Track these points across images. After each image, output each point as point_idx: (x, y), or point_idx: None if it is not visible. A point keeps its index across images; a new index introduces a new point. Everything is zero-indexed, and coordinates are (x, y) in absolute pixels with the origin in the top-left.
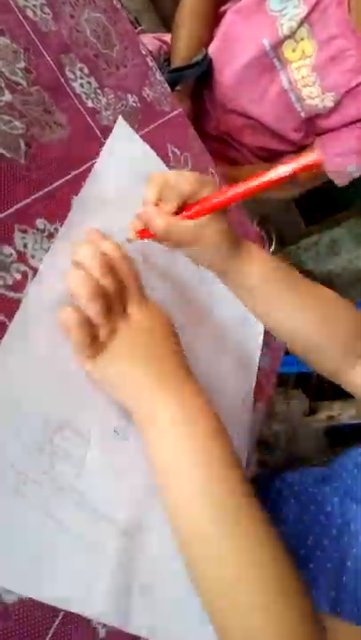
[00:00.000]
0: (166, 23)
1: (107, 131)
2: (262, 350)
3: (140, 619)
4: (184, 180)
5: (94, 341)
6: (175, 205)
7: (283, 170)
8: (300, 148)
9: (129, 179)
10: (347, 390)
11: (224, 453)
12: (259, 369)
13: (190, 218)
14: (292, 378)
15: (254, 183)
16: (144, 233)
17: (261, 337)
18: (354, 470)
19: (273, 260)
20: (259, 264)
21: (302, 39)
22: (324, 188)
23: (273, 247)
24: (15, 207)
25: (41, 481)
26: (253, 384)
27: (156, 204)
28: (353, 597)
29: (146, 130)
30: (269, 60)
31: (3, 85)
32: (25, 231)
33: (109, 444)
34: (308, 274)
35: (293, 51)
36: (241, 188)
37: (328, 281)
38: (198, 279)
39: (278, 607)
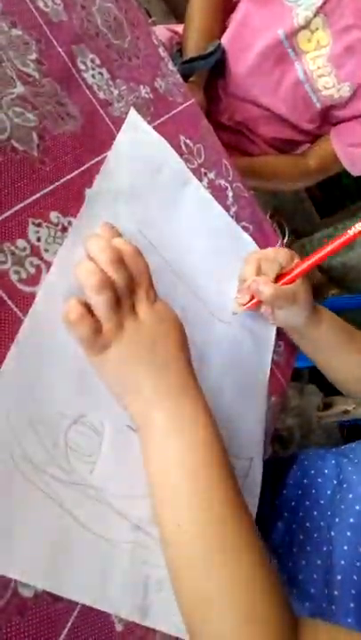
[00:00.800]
0: (177, 14)
1: (119, 122)
2: (278, 346)
3: (157, 613)
4: (282, 255)
5: (99, 336)
6: (274, 276)
7: (357, 228)
8: (315, 138)
9: (143, 170)
10: None
11: (212, 468)
12: (274, 363)
13: (288, 283)
14: (306, 373)
15: (333, 246)
16: (250, 305)
17: (274, 332)
18: None
19: (340, 321)
20: (330, 324)
21: (317, 29)
22: (337, 179)
23: (286, 239)
24: (28, 200)
25: (56, 475)
26: (267, 379)
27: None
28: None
29: (158, 121)
30: (284, 51)
31: (15, 77)
32: (39, 224)
33: (123, 440)
34: (320, 268)
35: (309, 41)
36: (323, 252)
37: (342, 274)
38: (211, 275)
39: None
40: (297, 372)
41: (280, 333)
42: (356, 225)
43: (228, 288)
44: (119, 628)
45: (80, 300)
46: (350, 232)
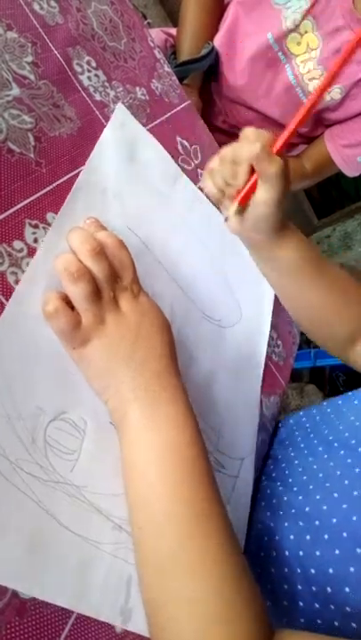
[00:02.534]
0: (174, 18)
1: None
2: (276, 346)
3: (141, 618)
4: (262, 137)
5: (78, 329)
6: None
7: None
8: (309, 139)
9: (130, 166)
10: (355, 369)
11: (187, 468)
12: (273, 364)
13: (277, 153)
14: (306, 373)
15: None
16: (242, 200)
17: (267, 331)
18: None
19: (310, 249)
20: (298, 247)
21: (306, 32)
22: (335, 181)
23: None
24: (25, 202)
25: (34, 472)
26: (260, 382)
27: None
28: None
29: (155, 123)
30: (274, 54)
31: (11, 79)
32: (36, 226)
33: (106, 437)
34: None
35: (298, 44)
36: (302, 111)
37: None
38: (201, 272)
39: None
40: (297, 373)
41: (279, 334)
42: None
43: (218, 287)
44: (119, 629)
45: (59, 293)
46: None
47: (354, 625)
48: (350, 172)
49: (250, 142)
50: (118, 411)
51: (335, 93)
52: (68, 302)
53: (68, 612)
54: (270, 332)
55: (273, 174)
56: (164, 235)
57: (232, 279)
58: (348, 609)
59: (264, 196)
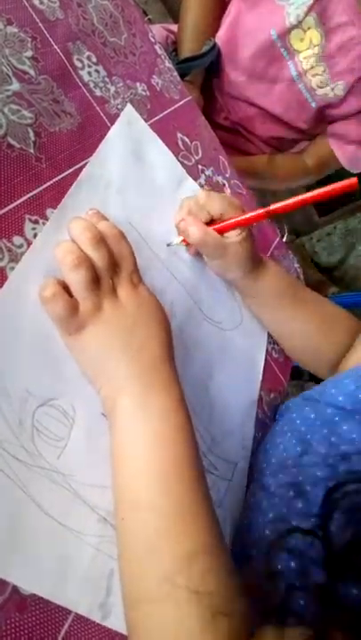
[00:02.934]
0: (174, 15)
1: (115, 119)
2: (276, 344)
3: (120, 615)
4: (215, 202)
5: (74, 315)
6: (204, 222)
7: (311, 194)
8: (311, 136)
9: (135, 164)
10: None
11: (174, 460)
12: (273, 361)
13: (219, 231)
14: (306, 371)
15: (276, 206)
16: (184, 240)
17: (266, 337)
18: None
19: (285, 279)
20: (272, 281)
21: (309, 28)
22: (336, 179)
23: (286, 238)
24: (25, 197)
25: (19, 456)
26: (258, 386)
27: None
28: None
29: (155, 118)
30: (277, 50)
31: (11, 74)
32: (35, 221)
33: (96, 427)
34: (319, 267)
35: (301, 40)
36: (261, 211)
37: (341, 273)
38: (202, 274)
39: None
40: (297, 370)
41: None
42: (316, 191)
43: (220, 289)
44: None
45: (57, 279)
46: (300, 198)
47: None
48: (353, 169)
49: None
50: (110, 398)
51: (338, 90)
52: (66, 290)
53: (67, 608)
54: None
55: (193, 241)
56: (165, 233)
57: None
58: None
59: (212, 262)
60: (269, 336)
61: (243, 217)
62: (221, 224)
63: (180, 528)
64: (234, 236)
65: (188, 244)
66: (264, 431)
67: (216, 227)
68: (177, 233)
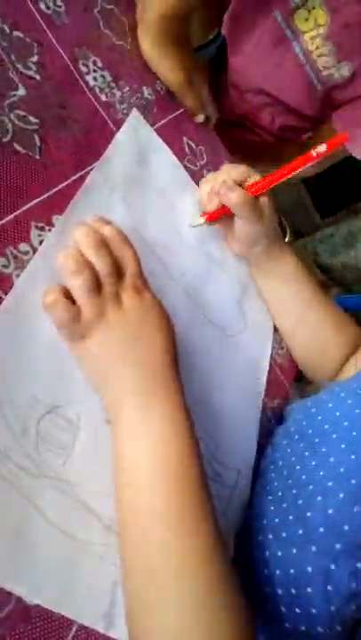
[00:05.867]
0: None
1: (121, 124)
2: (280, 348)
3: (124, 625)
4: (234, 170)
5: (77, 322)
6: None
7: (319, 149)
8: (316, 125)
9: (140, 170)
10: None
11: (176, 469)
12: (277, 365)
13: (255, 193)
14: None
15: (297, 162)
16: (210, 217)
17: (270, 341)
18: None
19: (305, 266)
20: (293, 261)
21: (314, 8)
22: (338, 178)
23: (287, 238)
24: (31, 204)
25: (24, 465)
26: (263, 392)
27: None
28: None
29: (161, 123)
30: (282, 32)
31: (17, 80)
32: (42, 228)
33: (101, 435)
34: (321, 268)
35: (306, 20)
36: (287, 168)
37: (343, 274)
38: (206, 279)
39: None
40: (299, 374)
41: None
42: (319, 147)
43: (224, 294)
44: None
45: (61, 286)
46: (314, 152)
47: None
48: (359, 153)
49: (221, 174)
50: (113, 406)
51: (344, 71)
52: (70, 297)
53: (72, 619)
54: (275, 333)
55: (234, 204)
56: (169, 239)
57: (238, 288)
58: (313, 610)
59: (238, 231)
60: (273, 341)
61: (274, 174)
62: (260, 183)
63: (179, 542)
64: (266, 202)
65: (211, 222)
66: (268, 437)
67: (257, 186)
68: (198, 213)
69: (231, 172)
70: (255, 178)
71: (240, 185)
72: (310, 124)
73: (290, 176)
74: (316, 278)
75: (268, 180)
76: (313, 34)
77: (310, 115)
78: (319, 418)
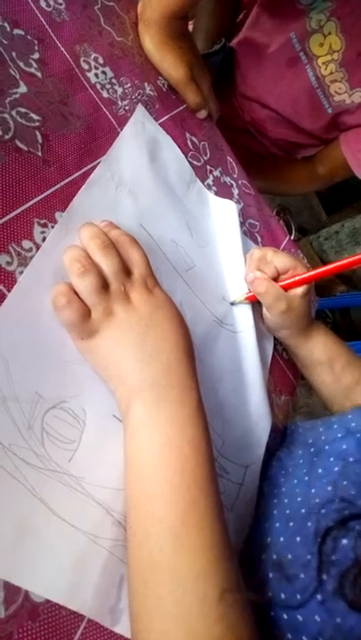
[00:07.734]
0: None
1: (123, 121)
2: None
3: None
4: (280, 258)
5: (86, 321)
6: (270, 276)
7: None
8: (322, 142)
9: (146, 165)
10: None
11: (185, 472)
12: (284, 362)
13: (284, 288)
14: None
15: (340, 263)
16: (247, 297)
17: (272, 341)
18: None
19: (338, 341)
20: (325, 341)
21: (330, 33)
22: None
23: (293, 236)
24: (33, 201)
25: (29, 459)
26: (267, 378)
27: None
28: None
29: (163, 119)
30: (295, 54)
31: (18, 77)
32: (44, 225)
33: (108, 429)
34: (326, 263)
35: (321, 45)
36: (325, 268)
37: (350, 272)
38: (212, 276)
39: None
40: None
41: None
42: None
43: (230, 291)
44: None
45: (69, 285)
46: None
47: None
48: None
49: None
50: (124, 401)
51: (356, 97)
52: (77, 294)
53: (80, 615)
54: None
55: (258, 294)
56: (176, 235)
57: (244, 285)
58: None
59: (264, 315)
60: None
61: (309, 273)
62: (288, 281)
63: (186, 547)
64: (298, 295)
65: (251, 302)
66: (276, 434)
67: (284, 283)
68: (243, 288)
69: (275, 259)
70: (299, 270)
71: (285, 272)
72: (315, 142)
73: (331, 274)
74: (347, 347)
75: (306, 277)
76: (327, 59)
77: (316, 134)
78: (323, 438)
